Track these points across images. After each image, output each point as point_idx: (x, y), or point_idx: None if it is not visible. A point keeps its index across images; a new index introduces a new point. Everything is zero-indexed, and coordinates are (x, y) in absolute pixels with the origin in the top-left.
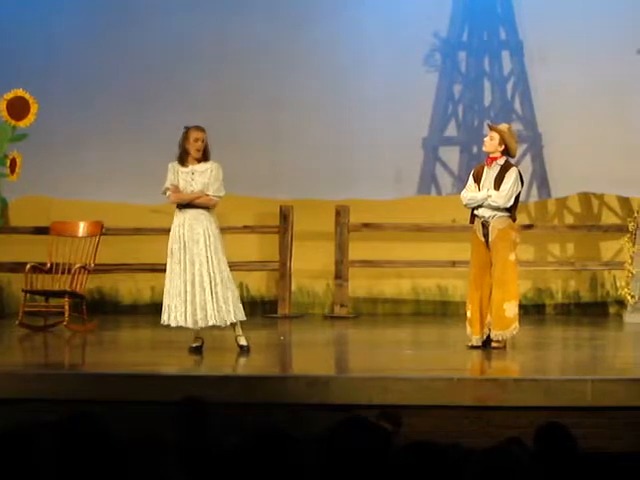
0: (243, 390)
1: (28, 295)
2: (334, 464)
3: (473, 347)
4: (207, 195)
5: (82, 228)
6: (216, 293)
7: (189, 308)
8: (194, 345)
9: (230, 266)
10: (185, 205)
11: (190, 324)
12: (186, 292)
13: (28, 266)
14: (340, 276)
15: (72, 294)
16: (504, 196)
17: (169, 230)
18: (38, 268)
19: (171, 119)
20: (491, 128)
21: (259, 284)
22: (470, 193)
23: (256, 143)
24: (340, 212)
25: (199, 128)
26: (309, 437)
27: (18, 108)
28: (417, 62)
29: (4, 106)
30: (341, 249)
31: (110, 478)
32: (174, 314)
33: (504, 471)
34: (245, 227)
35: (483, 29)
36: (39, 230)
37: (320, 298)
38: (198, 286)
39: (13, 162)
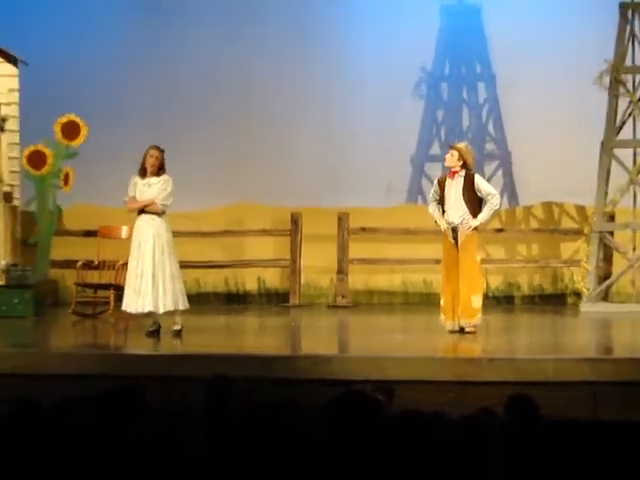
0: (260, 367)
1: (79, 288)
2: (336, 430)
3: (451, 332)
4: (155, 203)
5: (125, 231)
6: (157, 285)
7: (136, 297)
8: (150, 329)
9: (248, 264)
10: (141, 211)
11: (133, 310)
12: (136, 283)
13: (79, 263)
14: (341, 271)
15: (116, 287)
16: (493, 194)
17: (197, 233)
18: (87, 265)
19: (196, 136)
20: (451, 147)
21: (274, 278)
22: (434, 211)
23: (272, 161)
24: (341, 218)
25: (155, 147)
26: (315, 407)
27: (70, 130)
28: (407, 92)
29: (59, 129)
30: (342, 249)
31: (145, 442)
32: (127, 301)
33: (478, 435)
34: (262, 231)
35: (462, 64)
36: (89, 233)
37: (324, 290)
38: (143, 278)
39: (66, 176)
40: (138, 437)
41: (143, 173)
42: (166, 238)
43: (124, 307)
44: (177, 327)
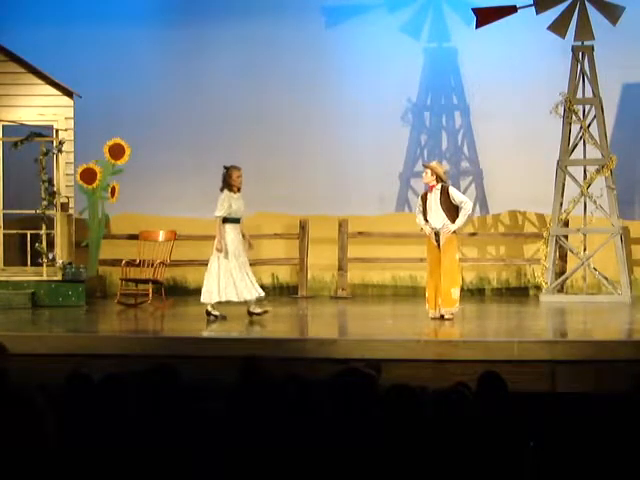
0: (274, 348)
1: (123, 282)
2: (337, 399)
3: (433, 318)
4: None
5: (161, 235)
6: (245, 278)
7: (231, 288)
8: (210, 311)
9: (264, 262)
10: (235, 222)
11: (235, 298)
12: (227, 276)
13: (123, 262)
14: (342, 268)
15: (154, 281)
16: (465, 201)
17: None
18: (130, 263)
19: (220, 158)
20: (424, 166)
21: (285, 274)
22: (420, 220)
23: (283, 178)
24: (342, 224)
25: (239, 168)
26: (320, 381)
27: (116, 151)
28: (396, 119)
29: (106, 149)
30: (342, 250)
31: (178, 413)
32: (222, 293)
33: (455, 405)
34: (275, 234)
35: (441, 96)
36: (131, 236)
37: (327, 284)
38: (241, 274)
39: (113, 189)
40: (171, 406)
41: (232, 189)
42: (243, 243)
43: (214, 298)
44: (258, 310)
